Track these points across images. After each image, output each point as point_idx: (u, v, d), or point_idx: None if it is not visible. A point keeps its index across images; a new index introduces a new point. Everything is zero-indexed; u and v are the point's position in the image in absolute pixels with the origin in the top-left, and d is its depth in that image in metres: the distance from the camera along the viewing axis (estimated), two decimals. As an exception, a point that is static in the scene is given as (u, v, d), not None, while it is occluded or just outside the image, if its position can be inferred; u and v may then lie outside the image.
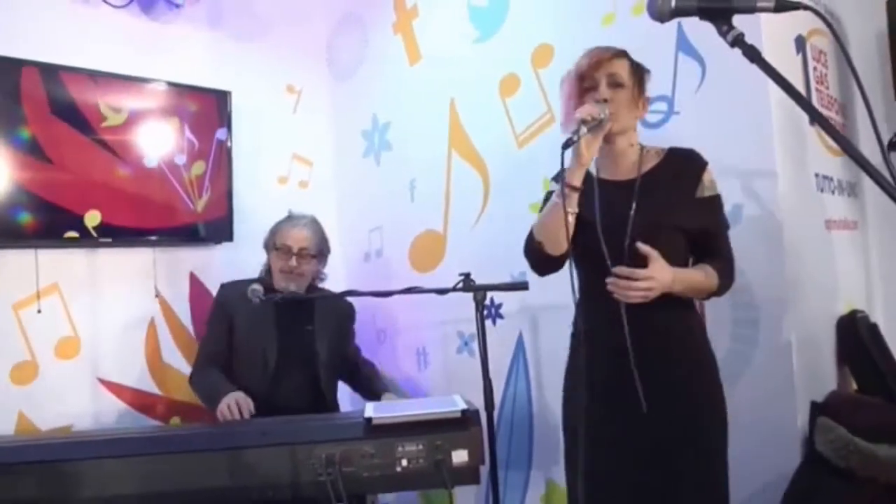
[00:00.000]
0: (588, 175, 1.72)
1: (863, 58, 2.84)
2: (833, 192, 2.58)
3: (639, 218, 1.66)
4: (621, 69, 1.71)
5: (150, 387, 2.94)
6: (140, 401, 2.91)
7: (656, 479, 1.61)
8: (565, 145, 1.54)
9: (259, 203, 3.16)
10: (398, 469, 1.80)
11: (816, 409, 2.13)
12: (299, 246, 2.65)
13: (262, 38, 3.37)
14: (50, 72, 2.67)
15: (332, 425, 1.95)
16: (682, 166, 1.74)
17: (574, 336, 1.90)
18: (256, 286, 2.38)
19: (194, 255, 3.09)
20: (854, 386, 2.41)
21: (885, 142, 2.49)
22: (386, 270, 3.23)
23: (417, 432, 1.81)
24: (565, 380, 1.89)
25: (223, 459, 1.81)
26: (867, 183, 2.68)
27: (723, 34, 1.26)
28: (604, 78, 1.69)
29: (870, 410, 2.17)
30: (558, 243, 1.63)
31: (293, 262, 2.62)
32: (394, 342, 3.21)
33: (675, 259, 1.66)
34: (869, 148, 1.35)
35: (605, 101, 1.65)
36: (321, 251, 2.76)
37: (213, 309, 2.74)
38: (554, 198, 1.62)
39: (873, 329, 2.47)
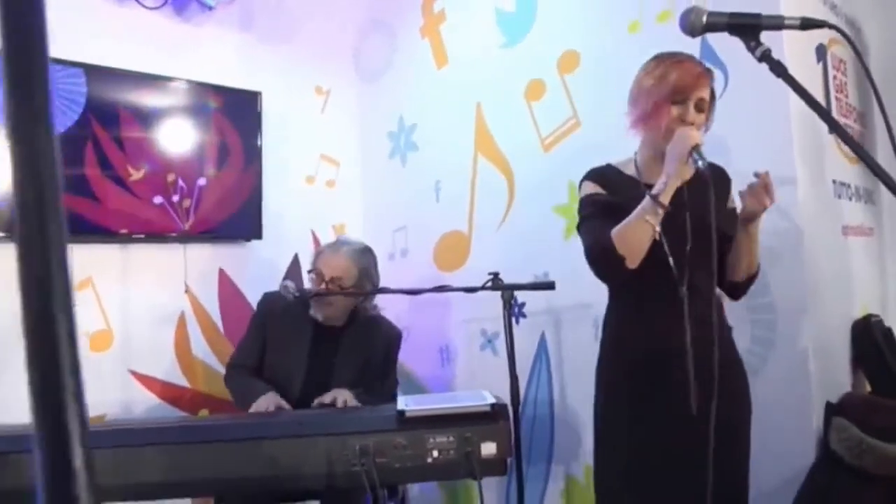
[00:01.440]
0: (633, 181, 1.81)
1: (882, 64, 2.92)
2: (850, 199, 2.66)
3: (694, 224, 1.74)
4: (707, 94, 1.78)
5: (180, 379, 3.06)
6: (169, 393, 3.02)
7: (700, 479, 1.68)
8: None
9: (287, 202, 3.27)
10: (429, 460, 1.89)
11: (831, 410, 2.22)
12: (332, 275, 2.52)
13: (291, 41, 3.50)
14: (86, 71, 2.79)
15: (367, 417, 2.04)
16: (717, 179, 1.82)
17: (609, 343, 1.95)
18: (289, 282, 2.44)
19: (224, 252, 3.20)
20: (868, 388, 2.50)
21: (902, 150, 2.59)
22: (411, 270, 3.32)
23: (448, 425, 1.91)
24: (605, 385, 1.94)
25: (260, 449, 1.90)
26: (884, 190, 2.76)
27: (751, 49, 1.35)
28: (693, 100, 1.75)
29: (883, 412, 2.25)
30: (640, 257, 1.69)
31: (323, 288, 2.52)
32: (417, 340, 3.31)
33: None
34: (887, 155, 1.45)
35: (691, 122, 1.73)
36: (359, 285, 2.57)
37: (253, 318, 2.73)
38: (642, 216, 1.66)
39: (888, 333, 2.56)
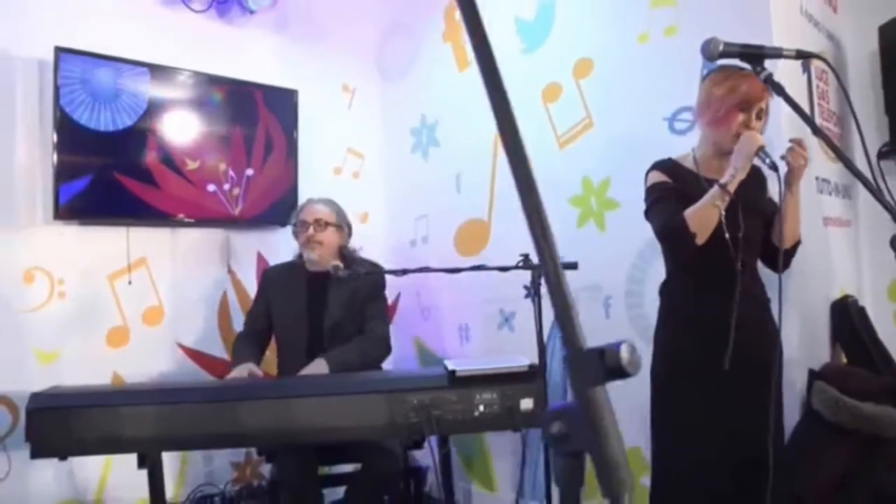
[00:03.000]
0: (692, 173, 2.18)
1: (858, 74, 3.34)
2: (830, 194, 3.08)
3: (744, 211, 2.13)
4: (766, 105, 2.15)
5: (222, 352, 3.41)
6: (212, 365, 3.36)
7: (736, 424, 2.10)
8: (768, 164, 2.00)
9: (317, 191, 3.59)
10: (476, 414, 2.26)
11: (813, 376, 2.63)
12: (315, 217, 2.94)
13: (320, 42, 3.85)
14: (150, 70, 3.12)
15: (422, 376, 2.40)
16: (757, 173, 2.22)
17: (668, 315, 2.29)
18: (338, 262, 2.81)
19: (262, 237, 3.55)
20: (844, 359, 2.91)
21: (875, 150, 3.02)
22: (432, 254, 3.68)
23: (492, 383, 2.28)
24: (664, 348, 2.31)
25: (333, 403, 2.25)
26: (860, 186, 3.19)
27: (757, 73, 1.74)
28: (756, 109, 2.11)
29: (857, 378, 2.66)
30: (707, 235, 2.04)
31: (310, 230, 2.92)
32: (437, 319, 3.67)
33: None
34: (862, 154, 1.86)
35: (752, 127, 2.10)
36: (339, 223, 3.00)
37: (258, 289, 3.11)
38: (712, 201, 2.01)
39: (862, 312, 2.97)
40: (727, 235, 2.09)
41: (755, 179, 2.22)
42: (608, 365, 0.58)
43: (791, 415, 2.59)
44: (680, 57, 2.74)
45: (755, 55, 1.75)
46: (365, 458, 2.69)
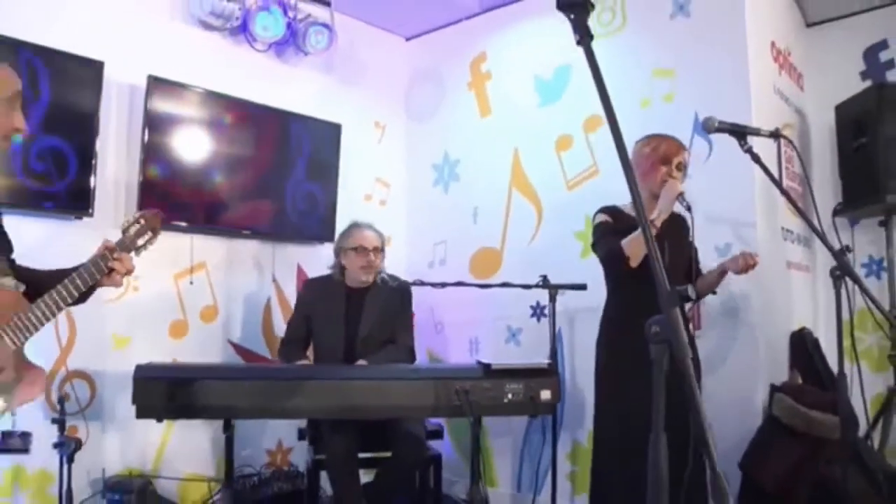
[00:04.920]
0: (629, 216, 2.87)
1: (820, 143, 4.15)
2: (793, 242, 3.84)
3: (670, 247, 2.81)
4: (684, 159, 2.86)
5: (265, 352, 4.00)
6: (257, 361, 3.95)
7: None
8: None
9: (351, 215, 4.23)
10: (505, 400, 2.90)
11: (774, 389, 3.34)
12: (373, 245, 3.43)
13: (359, 83, 4.55)
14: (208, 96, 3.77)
15: (463, 368, 3.04)
16: (681, 221, 2.92)
17: (611, 326, 2.96)
18: (386, 276, 3.43)
19: (302, 251, 4.19)
20: (800, 379, 3.64)
21: (831, 208, 3.77)
22: (448, 277, 4.31)
23: (519, 376, 2.92)
24: (607, 357, 2.97)
25: (392, 386, 2.88)
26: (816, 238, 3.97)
27: (741, 145, 2.44)
28: (675, 163, 2.82)
29: (809, 393, 3.37)
30: (638, 259, 2.70)
31: (371, 256, 3.40)
32: (449, 333, 4.33)
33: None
34: (821, 210, 2.57)
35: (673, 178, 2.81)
36: (384, 247, 3.52)
37: (298, 299, 3.68)
38: (641, 233, 2.71)
39: (815, 342, 3.72)
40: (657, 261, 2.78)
41: (678, 225, 2.92)
42: (681, 295, 1.25)
43: (755, 420, 3.29)
44: (675, 120, 3.46)
45: (741, 132, 2.45)
46: (396, 444, 3.24)
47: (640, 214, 1.41)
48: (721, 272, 2.89)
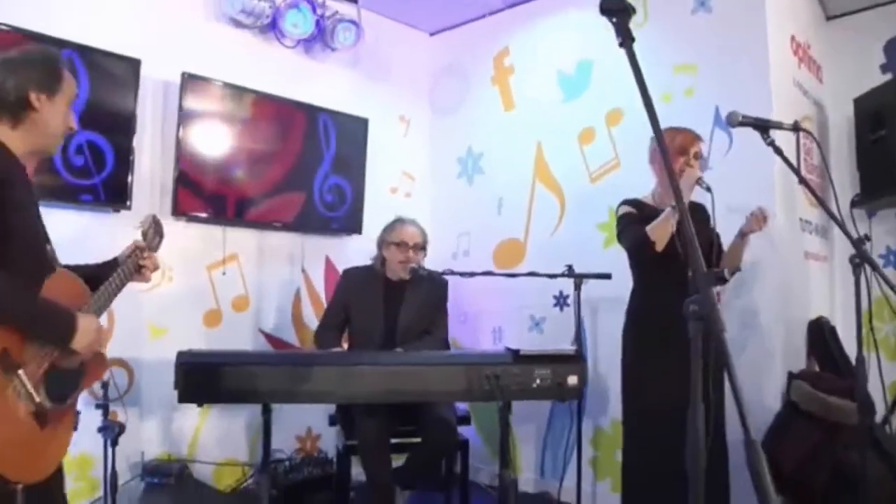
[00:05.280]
0: (651, 206, 3.00)
1: (838, 135, 4.24)
2: (811, 233, 3.94)
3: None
4: (699, 149, 3.01)
5: (292, 339, 4.15)
6: (285, 349, 4.08)
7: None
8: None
9: (378, 207, 4.39)
10: (534, 385, 3.02)
11: (792, 376, 3.45)
12: (415, 241, 3.57)
13: (384, 78, 4.69)
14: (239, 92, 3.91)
15: (493, 354, 3.18)
16: (703, 210, 3.04)
17: (639, 311, 3.11)
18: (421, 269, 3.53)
19: (331, 243, 4.32)
20: (817, 367, 3.75)
21: (848, 200, 3.87)
22: (472, 267, 4.43)
23: (547, 362, 3.04)
24: (635, 342, 3.11)
25: (427, 371, 3.00)
26: (836, 228, 4.07)
27: (764, 139, 2.55)
28: (691, 153, 2.97)
29: (826, 379, 3.48)
30: (663, 243, 2.83)
31: (410, 253, 3.53)
32: (474, 322, 4.45)
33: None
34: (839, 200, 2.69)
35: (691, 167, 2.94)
36: (425, 245, 3.65)
37: (337, 287, 3.78)
38: (666, 218, 2.80)
39: (832, 330, 3.83)
40: (679, 249, 2.87)
41: (699, 213, 3.05)
42: (716, 276, 1.37)
43: (773, 406, 3.41)
44: (696, 114, 3.56)
45: (764, 126, 2.56)
46: (426, 429, 3.36)
47: (677, 193, 1.56)
48: (741, 237, 3.04)
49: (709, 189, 2.81)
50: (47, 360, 1.88)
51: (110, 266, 2.23)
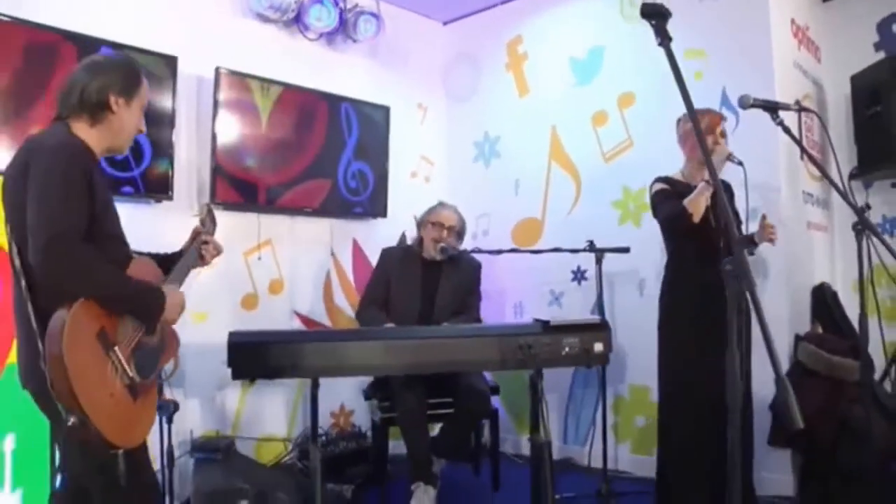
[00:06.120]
0: (682, 183, 3.28)
1: (836, 112, 4.51)
2: (813, 205, 4.23)
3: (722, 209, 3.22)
4: (723, 128, 3.29)
5: (325, 320, 4.42)
6: (317, 329, 4.36)
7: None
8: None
9: (400, 191, 4.66)
10: (563, 353, 3.29)
11: (798, 338, 3.76)
12: (450, 224, 3.87)
13: (401, 67, 4.94)
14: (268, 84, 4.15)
15: (524, 325, 3.45)
16: (729, 190, 3.34)
17: (676, 278, 3.36)
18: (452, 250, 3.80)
19: (357, 226, 4.60)
20: (820, 329, 4.05)
21: (847, 172, 4.16)
22: (491, 246, 4.71)
23: (575, 331, 3.30)
24: (672, 307, 3.40)
25: (464, 342, 3.25)
26: (835, 200, 4.38)
27: (773, 119, 2.82)
28: (717, 132, 3.25)
29: (829, 340, 3.78)
30: (699, 215, 3.09)
31: (444, 233, 3.82)
32: (496, 298, 4.73)
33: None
34: (837, 175, 2.98)
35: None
36: (461, 231, 3.96)
37: (378, 264, 4.02)
38: (701, 192, 3.07)
39: (834, 295, 4.13)
40: (713, 223, 3.14)
41: (727, 193, 3.32)
42: (748, 240, 1.67)
43: (783, 365, 3.69)
44: (705, 96, 3.83)
45: (772, 108, 2.84)
46: (460, 398, 3.62)
47: (711, 169, 1.85)
48: (754, 246, 3.31)
49: (740, 163, 3.08)
50: (135, 338, 2.08)
51: (177, 254, 2.47)
